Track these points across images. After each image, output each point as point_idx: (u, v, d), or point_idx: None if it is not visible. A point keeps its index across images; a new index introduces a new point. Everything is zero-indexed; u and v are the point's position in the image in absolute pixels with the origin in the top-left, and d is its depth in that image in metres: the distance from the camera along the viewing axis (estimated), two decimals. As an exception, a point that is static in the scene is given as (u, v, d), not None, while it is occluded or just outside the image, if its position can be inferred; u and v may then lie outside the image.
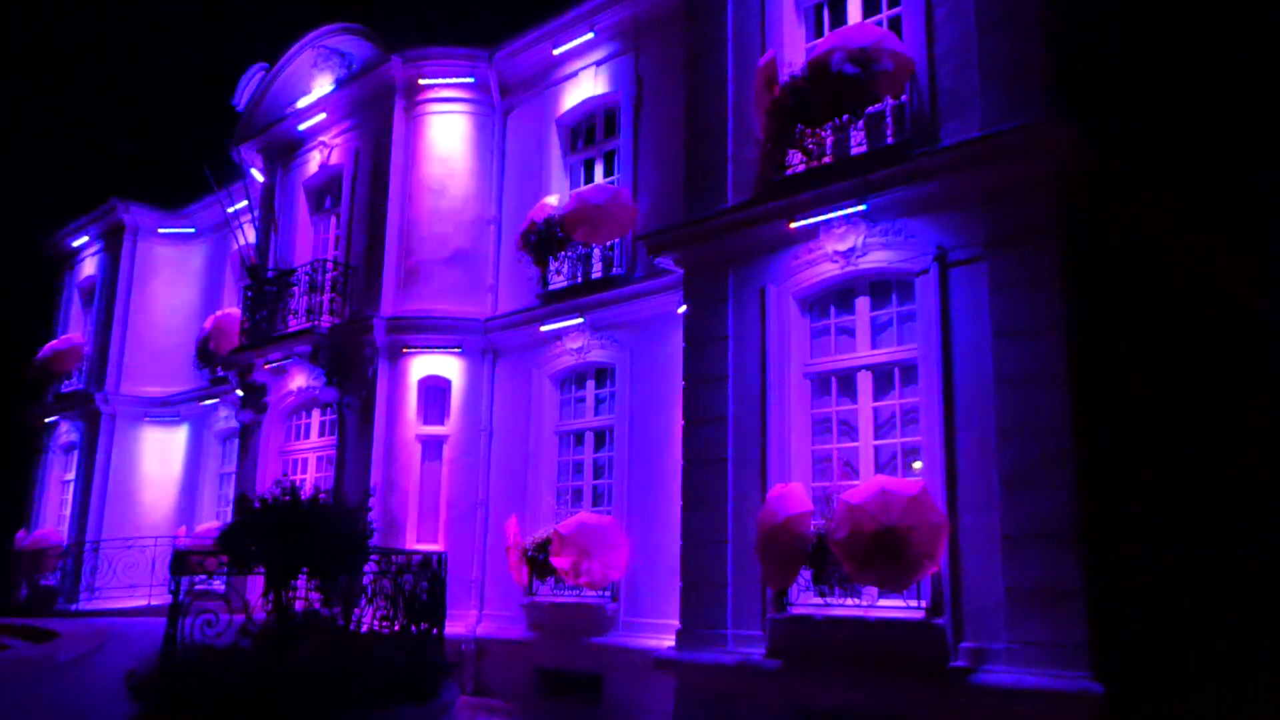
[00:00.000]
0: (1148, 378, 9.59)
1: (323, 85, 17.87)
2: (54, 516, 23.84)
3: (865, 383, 10.07)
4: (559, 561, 12.87)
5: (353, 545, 8.00)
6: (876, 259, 9.97)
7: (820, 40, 10.76)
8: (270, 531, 7.64)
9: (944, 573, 8.88)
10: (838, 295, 10.48)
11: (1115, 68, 10.15)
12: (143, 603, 18.77)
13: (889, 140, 10.07)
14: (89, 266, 24.87)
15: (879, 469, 9.80)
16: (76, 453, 23.18)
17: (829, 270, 10.31)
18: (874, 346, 10.14)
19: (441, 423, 15.59)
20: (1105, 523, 8.35)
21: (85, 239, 24.80)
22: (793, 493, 9.74)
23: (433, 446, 15.54)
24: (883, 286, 10.16)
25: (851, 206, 9.90)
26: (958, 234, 9.35)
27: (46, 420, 24.29)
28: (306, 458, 17.27)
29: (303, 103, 18.10)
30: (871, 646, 9.16)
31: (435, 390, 15.68)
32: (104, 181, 27.08)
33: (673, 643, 10.86)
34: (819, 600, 9.68)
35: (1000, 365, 8.82)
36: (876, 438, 9.94)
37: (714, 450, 10.82)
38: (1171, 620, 9.03)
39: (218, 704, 6.93)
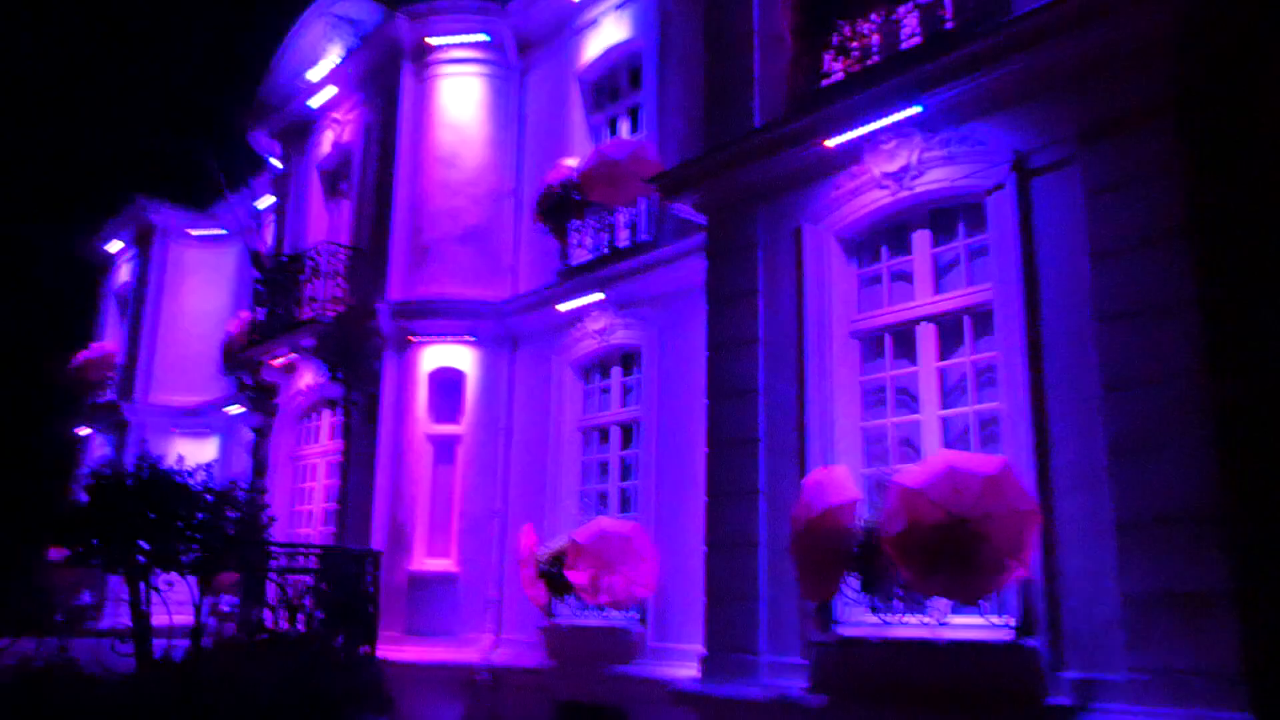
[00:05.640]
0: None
1: (333, 57, 16.37)
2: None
3: (928, 338, 7.89)
4: (575, 576, 10.87)
5: (231, 539, 6.17)
6: (936, 178, 7.79)
7: (862, -85, 8.67)
8: (114, 517, 5.86)
9: (1037, 578, 6.64)
10: (890, 231, 8.32)
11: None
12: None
13: (948, 25, 7.90)
14: (124, 272, 23.95)
15: (948, 446, 7.58)
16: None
17: (878, 199, 8.17)
18: (938, 292, 7.96)
19: (455, 421, 13.75)
20: (1260, 496, 6.00)
21: (121, 244, 23.88)
22: (834, 478, 7.58)
23: (445, 448, 13.70)
24: (946, 215, 7.98)
25: (903, 110, 7.73)
26: (1040, 133, 7.14)
27: (81, 433, 23.31)
28: (316, 464, 15.63)
29: (313, 76, 16.62)
30: (942, 677, 6.96)
31: (448, 384, 13.85)
32: (139, 183, 26.19)
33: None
34: (874, 618, 7.50)
35: (1101, 295, 6.57)
36: (943, 407, 7.75)
37: (742, 430, 8.75)
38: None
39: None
